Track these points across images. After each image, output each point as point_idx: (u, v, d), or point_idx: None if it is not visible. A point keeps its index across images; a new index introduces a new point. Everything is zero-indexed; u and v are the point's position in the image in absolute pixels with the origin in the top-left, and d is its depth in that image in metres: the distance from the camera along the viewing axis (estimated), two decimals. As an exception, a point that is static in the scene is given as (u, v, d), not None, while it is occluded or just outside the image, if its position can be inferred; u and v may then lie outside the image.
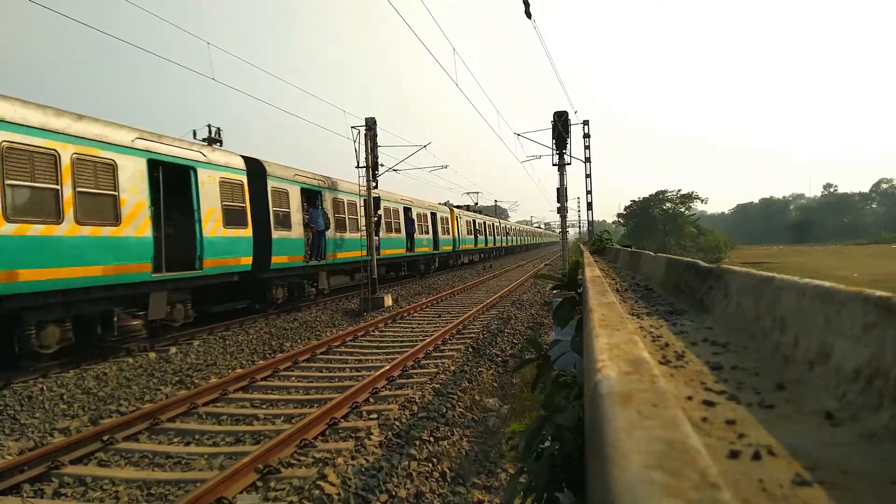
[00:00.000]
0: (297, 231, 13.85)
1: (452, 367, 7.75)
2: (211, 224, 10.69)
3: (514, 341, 9.91)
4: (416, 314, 13.37)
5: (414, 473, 4.44)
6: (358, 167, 15.99)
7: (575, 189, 50.42)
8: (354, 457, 4.63)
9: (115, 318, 8.68)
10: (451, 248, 28.59)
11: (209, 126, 14.93)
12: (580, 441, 1.20)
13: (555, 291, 2.13)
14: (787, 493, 0.48)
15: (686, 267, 2.05)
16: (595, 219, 21.94)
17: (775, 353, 0.98)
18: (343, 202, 16.66)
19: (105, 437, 5.17)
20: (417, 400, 6.17)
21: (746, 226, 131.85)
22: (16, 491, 4.30)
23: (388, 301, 14.75)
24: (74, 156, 7.93)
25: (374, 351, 9.30)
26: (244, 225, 11.73)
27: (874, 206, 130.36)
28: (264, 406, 6.43)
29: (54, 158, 7.66)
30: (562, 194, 19.04)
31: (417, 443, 5.02)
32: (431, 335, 9.98)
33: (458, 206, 33.47)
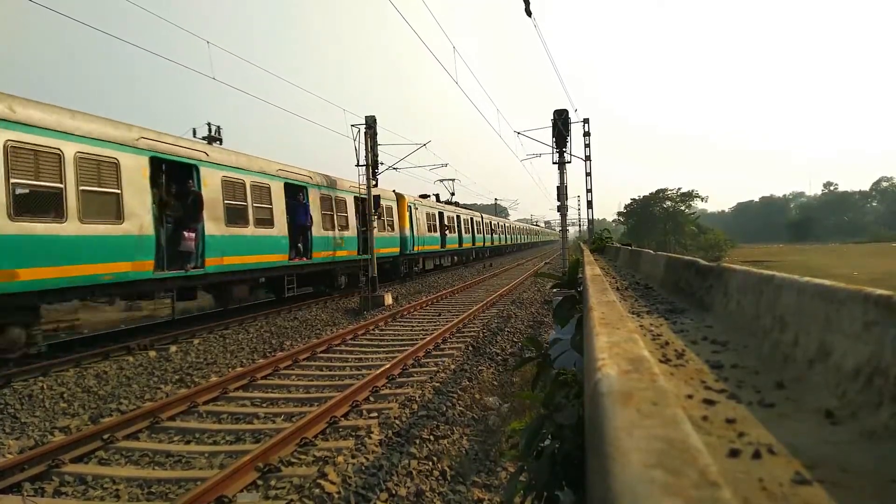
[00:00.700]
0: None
1: (452, 366, 7.76)
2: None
3: (514, 340, 9.92)
4: (416, 313, 13.38)
5: (414, 472, 4.45)
6: (358, 166, 16.00)
7: (575, 187, 50.41)
8: (355, 455, 4.64)
9: None
10: (398, 249, 20.67)
11: (209, 124, 14.93)
12: (580, 440, 1.20)
13: (555, 290, 2.14)
14: (787, 492, 0.48)
15: (686, 265, 2.05)
16: (595, 217, 21.95)
17: (775, 351, 0.98)
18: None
19: (105, 436, 5.18)
20: (418, 398, 6.17)
21: (746, 224, 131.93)
22: (16, 489, 4.30)
23: (388, 300, 14.76)
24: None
25: (375, 349, 9.30)
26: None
27: (874, 204, 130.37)
28: (264, 405, 6.43)
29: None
30: (562, 193, 19.03)
31: (418, 441, 5.02)
32: (431, 334, 9.99)
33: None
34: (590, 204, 20.73)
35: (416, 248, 22.36)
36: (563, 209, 19.40)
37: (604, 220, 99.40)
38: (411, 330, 11.04)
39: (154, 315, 12.93)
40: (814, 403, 0.75)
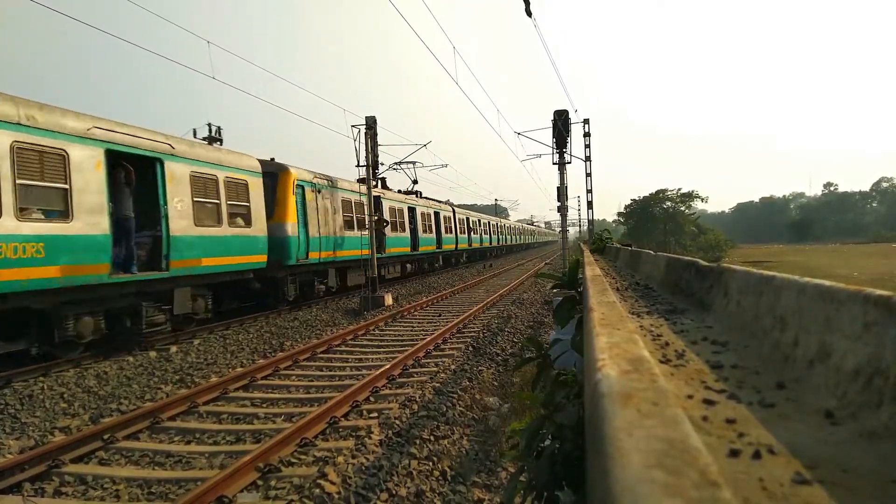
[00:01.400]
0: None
1: (453, 366, 7.75)
2: None
3: (515, 340, 9.92)
4: (416, 313, 13.38)
5: (414, 472, 4.45)
6: (358, 166, 15.99)
7: (575, 188, 50.11)
8: (355, 455, 4.63)
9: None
10: (259, 258, 12.33)
11: (209, 125, 14.94)
12: (580, 440, 1.20)
13: (555, 290, 2.14)
14: (787, 492, 0.49)
15: (686, 266, 2.05)
16: (595, 217, 21.97)
17: (775, 351, 0.98)
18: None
19: (106, 436, 5.18)
20: (418, 399, 6.17)
21: (746, 225, 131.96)
22: (16, 490, 4.30)
23: (389, 300, 14.76)
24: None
25: (375, 350, 9.30)
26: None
27: (874, 204, 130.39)
28: (265, 405, 6.43)
29: None
30: (562, 193, 19.05)
31: (418, 441, 5.02)
32: (432, 334, 9.99)
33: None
34: (590, 204, 20.75)
35: (314, 255, 14.31)
36: (563, 209, 19.42)
37: (604, 220, 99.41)
38: (411, 330, 11.04)
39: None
40: (814, 404, 0.75)
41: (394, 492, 4.12)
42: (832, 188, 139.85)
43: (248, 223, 11.89)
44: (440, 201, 28.94)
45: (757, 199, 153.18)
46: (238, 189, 11.77)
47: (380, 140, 16.45)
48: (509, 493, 1.49)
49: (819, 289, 0.88)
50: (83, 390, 6.98)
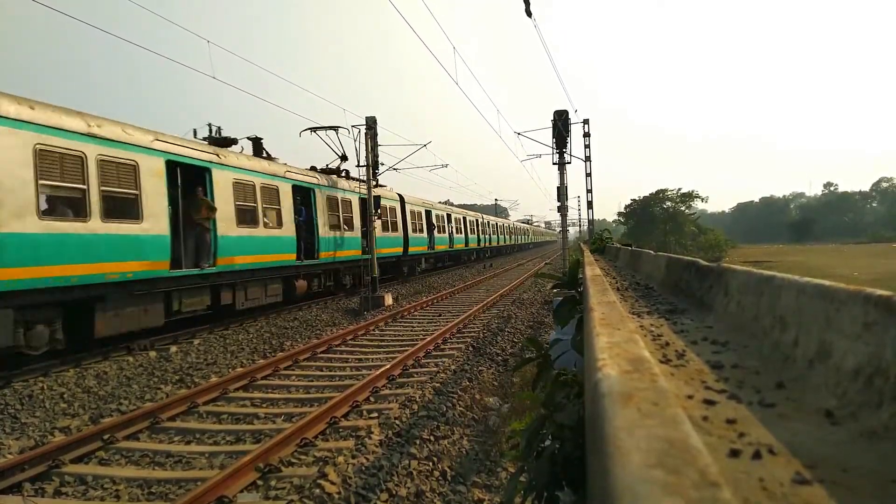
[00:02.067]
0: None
1: (453, 366, 7.75)
2: None
3: (515, 340, 9.92)
4: (416, 313, 13.38)
5: (414, 472, 4.44)
6: (358, 166, 15.99)
7: (575, 188, 49.76)
8: (355, 455, 4.63)
9: None
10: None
11: (210, 125, 14.93)
12: (581, 440, 1.20)
13: (555, 290, 2.14)
14: (787, 492, 0.49)
15: (686, 266, 2.05)
16: (595, 217, 21.98)
17: (775, 351, 0.98)
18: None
19: (105, 436, 5.18)
20: (418, 399, 6.17)
21: (746, 225, 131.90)
22: (16, 490, 4.30)
23: (389, 300, 14.76)
24: None
25: (375, 350, 9.30)
26: None
27: (874, 204, 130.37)
28: (265, 405, 6.43)
29: None
30: (562, 193, 19.06)
31: (418, 442, 5.02)
32: (432, 334, 9.99)
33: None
34: (590, 204, 20.75)
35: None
36: (563, 209, 19.42)
37: (604, 220, 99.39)
38: (411, 330, 11.04)
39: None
40: (814, 403, 0.75)
41: (394, 492, 4.12)
42: (832, 188, 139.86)
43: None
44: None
45: (757, 199, 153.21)
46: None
47: (379, 140, 16.45)
48: (509, 493, 1.49)
49: (819, 289, 0.88)
50: (83, 390, 6.98)
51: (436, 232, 25.76)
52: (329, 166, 17.08)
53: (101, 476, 4.49)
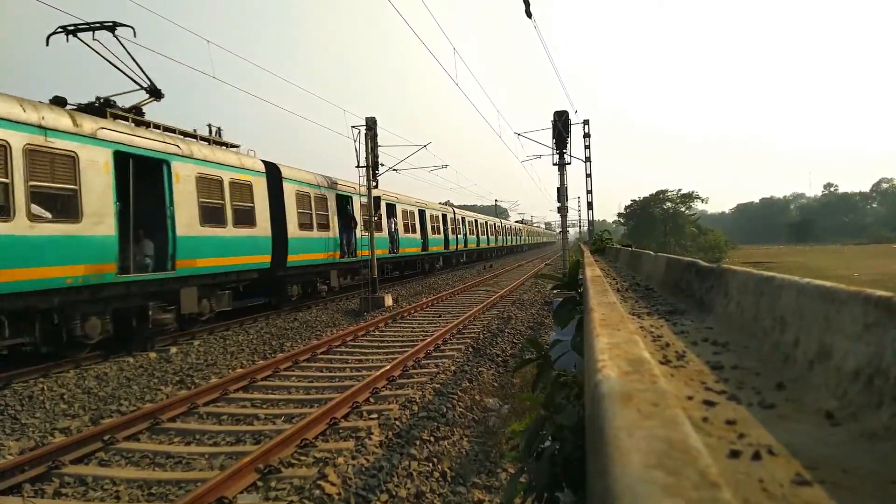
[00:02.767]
0: None
1: (453, 367, 7.75)
2: None
3: (515, 341, 9.92)
4: (416, 314, 13.37)
5: (414, 473, 4.44)
6: (358, 167, 16.01)
7: (575, 189, 49.39)
8: (355, 456, 4.63)
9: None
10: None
11: (209, 125, 14.93)
12: (580, 441, 1.20)
13: (555, 291, 2.14)
14: (787, 493, 0.49)
15: (686, 266, 2.05)
16: (595, 218, 21.97)
17: (775, 352, 0.98)
18: None
19: (106, 437, 5.18)
20: (418, 400, 6.17)
21: (747, 225, 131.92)
22: (16, 491, 4.30)
23: (389, 301, 14.76)
24: None
25: (375, 351, 9.30)
26: None
27: (874, 205, 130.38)
28: (265, 406, 6.43)
29: None
30: (562, 194, 19.04)
31: (418, 442, 5.02)
32: (432, 335, 9.98)
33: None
34: (590, 205, 20.75)
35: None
36: (563, 210, 19.41)
37: (604, 221, 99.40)
38: (411, 331, 11.04)
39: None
40: (814, 404, 0.75)
41: (394, 493, 4.12)
42: (832, 189, 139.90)
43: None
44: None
45: (757, 200, 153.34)
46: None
47: (380, 141, 16.46)
48: (509, 493, 1.49)
49: (819, 289, 0.88)
50: (83, 391, 6.98)
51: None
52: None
53: (101, 477, 4.49)
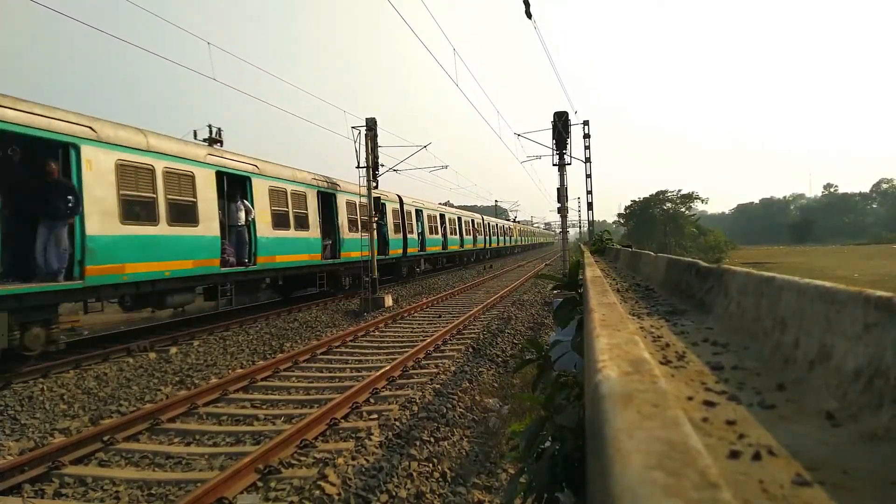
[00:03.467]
0: None
1: (453, 368, 7.75)
2: None
3: (515, 342, 9.91)
4: (416, 314, 13.37)
5: (414, 474, 4.44)
6: (358, 167, 16.01)
7: (575, 189, 49.36)
8: (355, 457, 4.63)
9: None
10: None
11: (210, 126, 14.93)
12: (580, 441, 1.20)
13: (555, 291, 2.14)
14: (787, 494, 0.48)
15: (686, 267, 2.05)
16: (595, 219, 21.96)
17: (776, 353, 0.98)
18: None
19: (105, 438, 5.17)
20: (418, 400, 6.17)
21: (747, 226, 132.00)
22: (16, 491, 4.30)
23: (389, 301, 14.76)
24: None
25: (375, 351, 9.30)
26: None
27: (875, 206, 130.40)
28: (264, 406, 6.43)
29: None
30: (562, 194, 19.04)
31: (418, 443, 5.02)
32: (432, 335, 9.98)
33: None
34: (590, 205, 20.74)
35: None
36: (563, 211, 19.41)
37: (604, 221, 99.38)
38: (411, 331, 11.04)
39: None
40: (814, 405, 0.75)
41: (394, 493, 4.12)
42: (832, 189, 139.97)
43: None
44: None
45: (757, 201, 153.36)
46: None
47: (380, 141, 16.47)
48: (509, 494, 1.49)
49: (819, 290, 0.88)
50: (83, 392, 6.98)
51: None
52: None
53: (100, 477, 4.49)
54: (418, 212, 23.95)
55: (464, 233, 32.27)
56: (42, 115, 7.71)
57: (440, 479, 4.44)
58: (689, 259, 2.14)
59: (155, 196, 9.54)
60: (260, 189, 12.60)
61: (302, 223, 14.13)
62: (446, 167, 27.44)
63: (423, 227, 24.29)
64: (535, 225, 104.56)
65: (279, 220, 13.26)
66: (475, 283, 20.73)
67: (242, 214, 11.95)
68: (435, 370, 7.66)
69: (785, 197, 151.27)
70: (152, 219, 9.45)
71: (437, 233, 26.56)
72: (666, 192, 62.99)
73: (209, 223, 10.74)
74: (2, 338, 7.01)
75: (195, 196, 10.51)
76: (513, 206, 77.20)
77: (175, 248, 9.88)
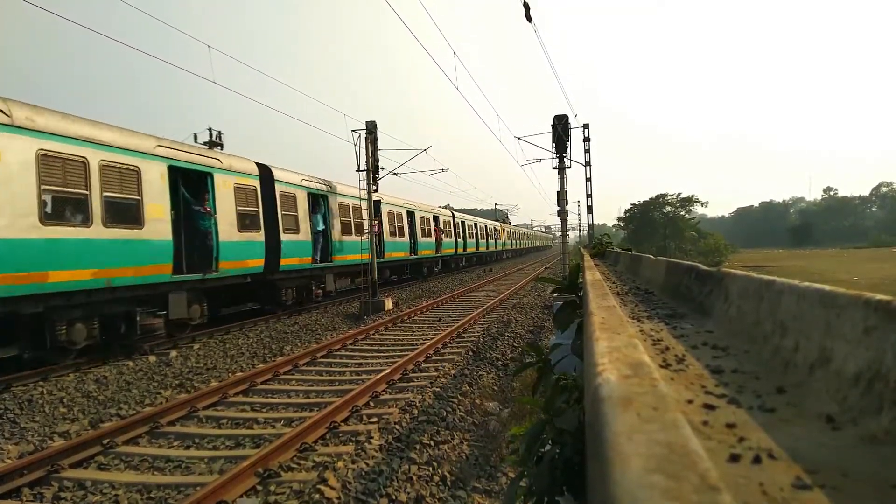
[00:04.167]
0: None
1: (453, 371, 7.74)
2: None
3: (515, 345, 9.90)
4: (416, 317, 13.36)
5: (414, 477, 4.43)
6: (359, 171, 16.03)
7: (575, 192, 48.98)
8: (355, 460, 4.62)
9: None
10: None
11: (210, 129, 14.95)
12: (581, 444, 1.20)
13: (555, 295, 2.14)
14: (787, 497, 0.49)
15: (686, 270, 2.05)
16: (595, 222, 21.97)
17: (776, 356, 0.98)
18: None
19: (105, 441, 5.16)
20: (418, 403, 6.15)
21: (747, 229, 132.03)
22: (16, 495, 4.29)
23: (389, 304, 14.75)
24: None
25: (375, 354, 9.29)
26: None
27: (874, 209, 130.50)
28: (264, 410, 6.42)
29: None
30: (562, 198, 19.06)
31: (418, 446, 5.01)
32: (432, 339, 9.97)
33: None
34: (590, 209, 20.74)
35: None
36: (563, 214, 19.42)
37: (604, 224, 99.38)
38: (412, 335, 11.02)
39: None
40: (814, 408, 0.75)
41: (394, 497, 4.11)
42: (832, 193, 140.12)
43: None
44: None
45: (757, 204, 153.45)
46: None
47: (380, 144, 16.48)
48: (509, 497, 1.48)
49: (819, 293, 0.88)
50: (83, 395, 6.97)
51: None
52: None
53: (100, 481, 4.47)
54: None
55: (418, 234, 23.06)
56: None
57: (440, 483, 4.43)
58: (689, 262, 2.14)
59: (88, 193, 8.16)
60: (223, 187, 11.14)
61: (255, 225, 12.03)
62: (446, 170, 27.47)
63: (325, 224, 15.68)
64: (535, 228, 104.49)
65: (247, 223, 11.77)
66: (475, 286, 20.72)
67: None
68: (435, 373, 7.65)
69: (784, 200, 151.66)
70: (84, 219, 8.07)
71: (350, 232, 16.79)
72: (666, 195, 63.11)
73: (157, 224, 9.34)
74: None
75: (140, 193, 9.07)
76: (513, 208, 77.21)
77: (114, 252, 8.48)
